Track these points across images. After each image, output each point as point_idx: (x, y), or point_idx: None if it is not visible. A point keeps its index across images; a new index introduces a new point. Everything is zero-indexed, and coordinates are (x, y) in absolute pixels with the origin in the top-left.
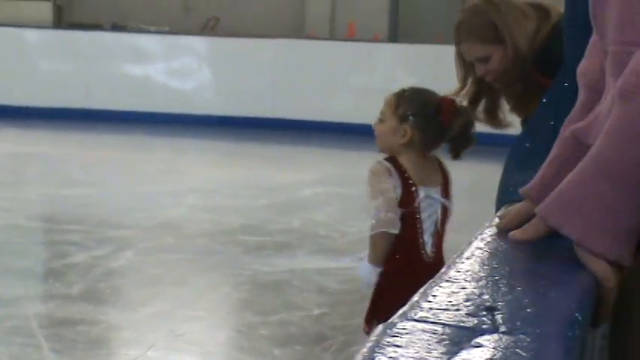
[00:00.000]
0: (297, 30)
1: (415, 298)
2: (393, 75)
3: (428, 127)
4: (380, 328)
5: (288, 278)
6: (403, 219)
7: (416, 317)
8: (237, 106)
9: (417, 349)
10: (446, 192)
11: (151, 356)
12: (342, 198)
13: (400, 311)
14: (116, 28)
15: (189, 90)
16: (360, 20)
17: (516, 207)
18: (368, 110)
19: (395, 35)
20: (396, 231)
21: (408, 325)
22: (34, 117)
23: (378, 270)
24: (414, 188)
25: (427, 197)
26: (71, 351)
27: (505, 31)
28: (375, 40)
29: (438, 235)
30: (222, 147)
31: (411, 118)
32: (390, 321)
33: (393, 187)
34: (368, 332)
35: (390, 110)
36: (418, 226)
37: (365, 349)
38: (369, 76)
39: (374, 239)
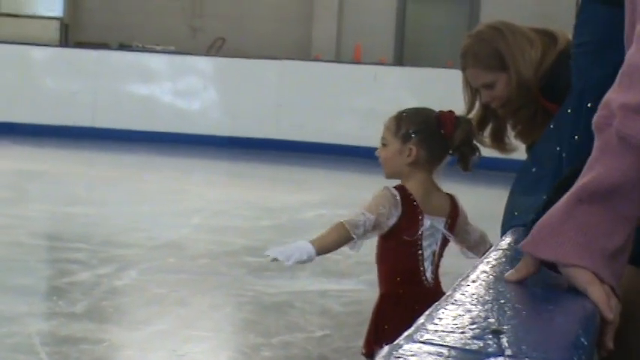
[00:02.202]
0: (303, 52)
1: (421, 320)
2: (398, 98)
3: (432, 142)
4: (386, 349)
5: (290, 300)
6: (405, 246)
7: (422, 339)
8: (242, 126)
9: None
10: (451, 226)
11: None
12: None
13: (406, 333)
14: (123, 47)
15: (194, 110)
16: (366, 43)
17: None
18: (373, 133)
19: (401, 58)
20: (355, 241)
21: (414, 347)
22: (40, 135)
23: (310, 256)
24: (420, 217)
25: (431, 227)
26: None
27: (509, 59)
28: (380, 63)
29: (436, 262)
30: (227, 167)
31: (413, 136)
32: (395, 343)
33: (387, 215)
34: (367, 355)
35: (391, 134)
36: (420, 252)
37: None
38: (374, 98)
39: (333, 226)
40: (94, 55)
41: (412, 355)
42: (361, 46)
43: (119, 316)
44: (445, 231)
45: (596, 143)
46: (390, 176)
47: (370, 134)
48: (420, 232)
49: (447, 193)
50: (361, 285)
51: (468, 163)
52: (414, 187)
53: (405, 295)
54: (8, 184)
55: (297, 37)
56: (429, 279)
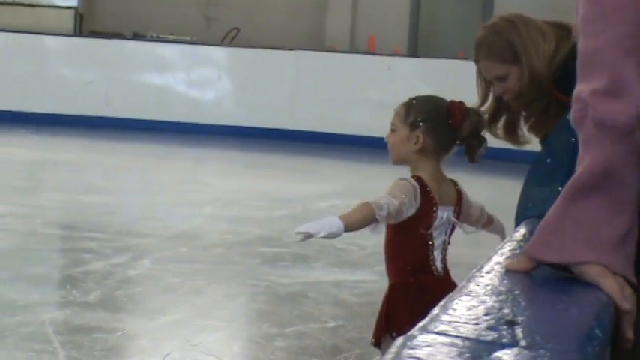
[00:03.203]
0: (318, 42)
1: (435, 310)
2: (412, 89)
3: (439, 131)
4: (400, 340)
5: (304, 290)
6: (418, 238)
7: (436, 330)
8: (255, 117)
9: None
10: (458, 212)
11: None
12: None
13: (420, 324)
14: (137, 37)
15: (208, 100)
16: (380, 33)
17: None
18: (386, 124)
19: (415, 49)
20: (380, 223)
21: (429, 337)
22: (54, 124)
23: (339, 229)
24: (435, 209)
25: (441, 217)
26: (87, 358)
27: (522, 52)
28: (394, 54)
29: (444, 250)
30: (241, 158)
31: (421, 124)
32: (410, 333)
33: (408, 205)
34: (376, 344)
35: (400, 120)
36: (430, 242)
37: None
38: (388, 89)
39: (359, 205)
40: (109, 44)
41: (427, 346)
42: (375, 37)
43: (133, 305)
44: (454, 219)
45: (579, 138)
46: (396, 162)
47: (384, 125)
48: (435, 226)
49: (451, 180)
50: (375, 275)
51: (474, 155)
52: (426, 177)
53: (416, 284)
54: (23, 173)
55: (311, 27)
56: (439, 268)
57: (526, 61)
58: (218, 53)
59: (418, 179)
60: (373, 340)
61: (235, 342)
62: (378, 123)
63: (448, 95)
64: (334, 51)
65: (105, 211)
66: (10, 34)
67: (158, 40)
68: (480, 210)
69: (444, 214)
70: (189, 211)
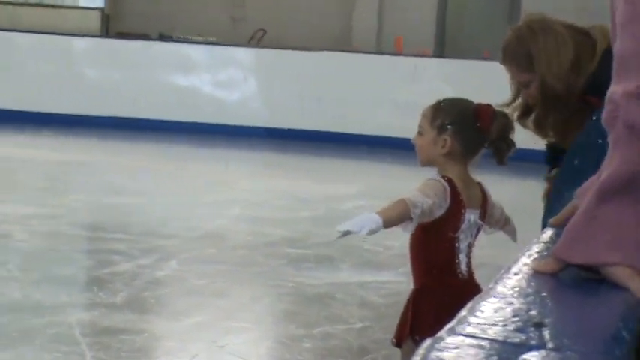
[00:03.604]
0: (344, 43)
1: (463, 312)
2: (438, 90)
3: (467, 135)
4: (428, 341)
5: (331, 291)
6: (445, 240)
7: (464, 332)
8: (281, 118)
9: None
10: (483, 215)
11: None
12: None
13: (448, 326)
14: (163, 38)
15: (234, 101)
16: (407, 34)
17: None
18: (412, 125)
19: (441, 50)
20: (413, 222)
21: (457, 339)
22: (81, 125)
23: (378, 226)
24: (463, 210)
25: (468, 220)
26: (114, 359)
27: (537, 65)
28: (421, 54)
29: (469, 253)
30: (266, 158)
31: (449, 127)
32: (438, 335)
33: (438, 205)
34: (397, 345)
35: (427, 122)
36: (456, 245)
37: None
38: (414, 90)
39: (396, 201)
40: (135, 45)
41: (454, 348)
42: (402, 38)
43: (159, 306)
44: (481, 222)
45: (610, 139)
46: (424, 164)
47: (409, 126)
48: (462, 229)
49: (477, 182)
50: (401, 277)
51: (503, 157)
52: (455, 180)
53: (442, 288)
54: (50, 174)
55: (337, 28)
56: (464, 271)
57: (539, 73)
58: (244, 54)
59: (448, 180)
60: (394, 340)
61: (262, 343)
62: (403, 124)
63: (474, 96)
64: (360, 52)
65: (131, 212)
66: (37, 35)
67: (184, 40)
68: (501, 211)
69: (470, 216)
70: (215, 212)
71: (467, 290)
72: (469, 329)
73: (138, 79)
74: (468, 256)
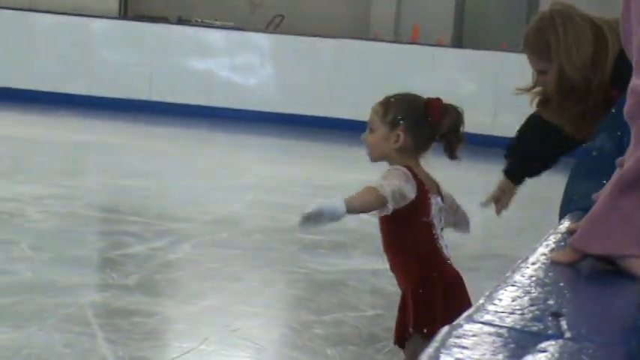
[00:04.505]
0: (362, 30)
1: (481, 300)
2: (455, 80)
3: (419, 129)
4: (445, 329)
5: (343, 278)
6: (422, 227)
7: (482, 320)
8: (297, 104)
9: (483, 351)
10: (442, 198)
11: (205, 350)
12: None
13: (466, 313)
14: (182, 21)
15: (250, 86)
16: (424, 23)
17: None
18: None
19: (459, 40)
20: (386, 207)
21: (475, 327)
22: (97, 107)
23: (342, 214)
24: (428, 195)
25: (435, 203)
26: (125, 341)
27: (555, 56)
28: (438, 44)
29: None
30: (281, 144)
31: (401, 122)
32: (456, 322)
33: (408, 188)
34: (399, 344)
35: (378, 118)
36: (434, 232)
37: (430, 349)
38: (431, 79)
39: (365, 189)
40: (153, 28)
41: (473, 336)
42: (420, 27)
43: (172, 289)
44: (444, 205)
45: (632, 132)
46: (376, 160)
47: None
48: (433, 213)
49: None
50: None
51: (454, 151)
52: (412, 168)
53: (438, 274)
54: (65, 155)
55: (356, 15)
56: (447, 254)
57: (557, 64)
58: (262, 39)
59: (407, 167)
60: (395, 339)
61: (273, 328)
62: None
63: (490, 87)
64: (377, 40)
65: (146, 195)
66: (56, 15)
67: (202, 25)
68: (452, 198)
69: (437, 199)
70: (229, 196)
71: (456, 275)
72: (487, 317)
73: (155, 61)
74: (444, 242)
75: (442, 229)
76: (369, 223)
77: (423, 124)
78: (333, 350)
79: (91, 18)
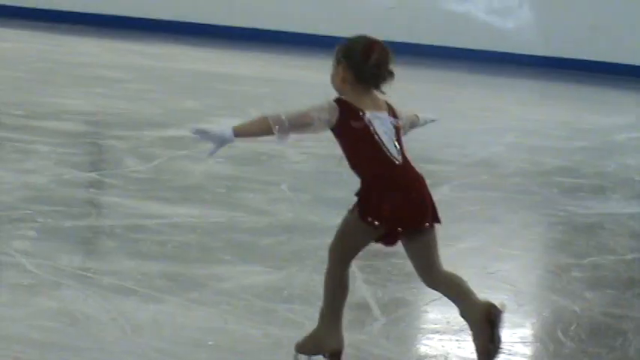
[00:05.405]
0: None
1: None
2: None
3: (356, 65)
4: None
5: (601, 221)
6: (360, 137)
7: None
8: (556, 46)
9: None
10: (394, 116)
11: None
12: None
13: None
14: None
15: (509, 28)
16: None
17: None
18: None
19: None
20: (279, 135)
21: None
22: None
23: (230, 137)
24: (361, 113)
25: (375, 117)
26: (384, 282)
27: None
28: None
29: (399, 145)
30: (540, 87)
31: (342, 60)
32: None
33: (321, 117)
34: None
35: (334, 58)
36: (376, 138)
37: None
38: None
39: (258, 118)
40: None
41: None
42: None
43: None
44: (391, 118)
45: None
46: (337, 93)
47: None
48: (366, 121)
49: (384, 101)
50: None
51: (378, 85)
52: (350, 97)
53: (383, 174)
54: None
55: None
56: (397, 156)
57: None
58: None
59: (338, 99)
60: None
61: (531, 271)
62: None
63: None
64: None
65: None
66: None
67: None
68: (409, 113)
69: (376, 115)
70: (489, 139)
71: (405, 174)
72: None
73: (416, 4)
74: (397, 147)
75: (393, 138)
76: (627, 167)
77: (360, 61)
78: (591, 293)
79: None
